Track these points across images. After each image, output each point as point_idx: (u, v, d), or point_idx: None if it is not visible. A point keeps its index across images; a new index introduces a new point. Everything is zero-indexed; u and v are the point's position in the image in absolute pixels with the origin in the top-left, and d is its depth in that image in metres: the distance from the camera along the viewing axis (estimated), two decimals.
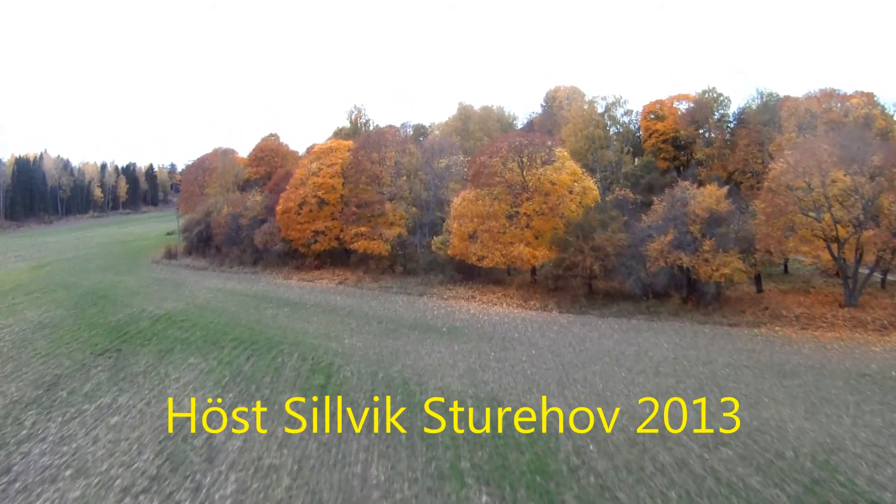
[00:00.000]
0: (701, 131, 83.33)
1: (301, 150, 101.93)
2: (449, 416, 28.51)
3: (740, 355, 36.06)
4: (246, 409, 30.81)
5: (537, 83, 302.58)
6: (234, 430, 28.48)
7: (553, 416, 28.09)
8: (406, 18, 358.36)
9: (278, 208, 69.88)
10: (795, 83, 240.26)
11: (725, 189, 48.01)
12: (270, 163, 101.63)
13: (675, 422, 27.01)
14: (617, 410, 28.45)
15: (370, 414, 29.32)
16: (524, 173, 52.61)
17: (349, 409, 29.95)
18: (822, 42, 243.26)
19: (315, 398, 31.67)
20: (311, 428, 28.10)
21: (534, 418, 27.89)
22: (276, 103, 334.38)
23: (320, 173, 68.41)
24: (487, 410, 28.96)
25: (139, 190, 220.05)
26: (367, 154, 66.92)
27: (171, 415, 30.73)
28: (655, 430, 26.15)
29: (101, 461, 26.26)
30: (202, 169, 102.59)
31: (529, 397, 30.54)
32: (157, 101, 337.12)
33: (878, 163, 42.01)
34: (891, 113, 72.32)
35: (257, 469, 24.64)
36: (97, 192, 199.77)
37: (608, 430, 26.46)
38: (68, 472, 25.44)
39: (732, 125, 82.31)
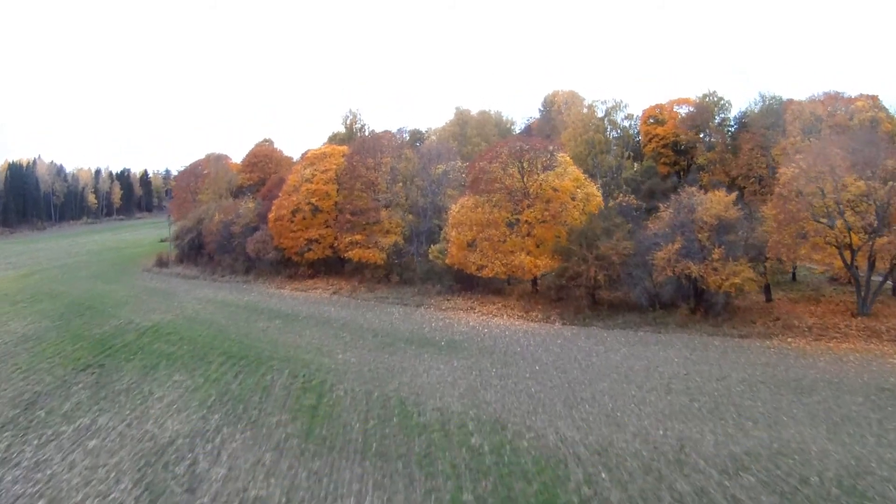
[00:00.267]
0: (701, 136, 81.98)
1: (296, 156, 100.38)
2: (449, 441, 26.67)
3: (754, 370, 34.48)
4: (232, 432, 29.01)
5: (535, 88, 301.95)
6: (218, 456, 26.67)
7: (561, 440, 26.34)
8: (402, 22, 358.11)
9: (271, 216, 67.93)
10: (797, 86, 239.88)
11: (734, 195, 46.35)
12: (264, 169, 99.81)
13: (692, 445, 25.38)
14: (629, 433, 26.68)
15: (364, 439, 27.43)
16: (525, 179, 50.75)
17: (342, 433, 28.09)
18: (823, 44, 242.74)
19: (306, 420, 29.81)
20: (301, 454, 26.28)
21: (540, 443, 26.09)
22: (271, 108, 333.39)
23: (314, 179, 66.55)
24: (490, 434, 27.14)
25: (134, 196, 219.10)
26: (362, 160, 65.06)
27: (153, 438, 28.92)
28: (671, 455, 24.45)
29: (76, 490, 24.71)
30: (194, 175, 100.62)
31: (535, 419, 28.77)
32: (152, 106, 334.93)
33: (893, 166, 40.50)
34: None
35: (242, 502, 22.84)
36: (91, 199, 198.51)
37: (621, 455, 24.68)
38: (41, 503, 23.95)
39: (733, 129, 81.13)
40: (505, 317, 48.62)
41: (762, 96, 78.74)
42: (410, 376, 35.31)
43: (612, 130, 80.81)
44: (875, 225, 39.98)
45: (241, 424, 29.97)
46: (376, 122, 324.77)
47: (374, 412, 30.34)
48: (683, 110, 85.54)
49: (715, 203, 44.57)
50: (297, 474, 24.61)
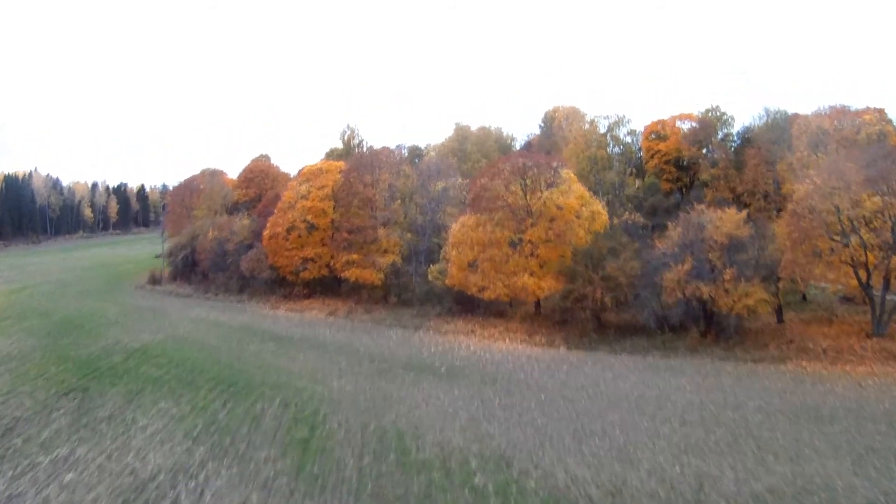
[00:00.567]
0: (704, 151, 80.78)
1: (293, 172, 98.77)
2: (451, 481, 24.67)
3: (771, 398, 32.74)
4: (218, 468, 27.02)
5: (535, 103, 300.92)
6: (201, 496, 24.67)
7: (571, 479, 24.37)
8: (402, 37, 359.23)
9: (265, 233, 66.36)
10: (801, 100, 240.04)
11: (745, 212, 44.86)
12: (260, 185, 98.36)
13: (712, 483, 23.51)
14: (644, 470, 24.73)
15: (359, 477, 25.43)
16: (528, 197, 49.07)
17: (335, 471, 26.08)
18: (826, 58, 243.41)
19: (296, 455, 27.82)
20: (291, 494, 24.27)
21: (549, 482, 24.13)
22: (269, 124, 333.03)
23: (310, 196, 64.97)
24: (495, 473, 25.16)
25: (130, 210, 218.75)
26: (359, 176, 63.51)
27: (133, 473, 26.87)
28: (689, 495, 22.61)
29: None
30: (189, 190, 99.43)
31: (542, 455, 26.75)
32: (150, 120, 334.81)
33: None
34: None
35: None
36: (87, 212, 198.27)
37: (636, 496, 22.77)
38: None
39: (736, 144, 80.00)
40: (507, 340, 46.76)
41: (767, 111, 77.93)
42: (409, 406, 33.30)
43: (614, 146, 79.38)
44: (891, 242, 38.83)
45: (228, 459, 27.92)
46: (375, 137, 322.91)
47: (369, 447, 28.32)
48: (686, 125, 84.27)
49: (725, 221, 43.06)
50: None
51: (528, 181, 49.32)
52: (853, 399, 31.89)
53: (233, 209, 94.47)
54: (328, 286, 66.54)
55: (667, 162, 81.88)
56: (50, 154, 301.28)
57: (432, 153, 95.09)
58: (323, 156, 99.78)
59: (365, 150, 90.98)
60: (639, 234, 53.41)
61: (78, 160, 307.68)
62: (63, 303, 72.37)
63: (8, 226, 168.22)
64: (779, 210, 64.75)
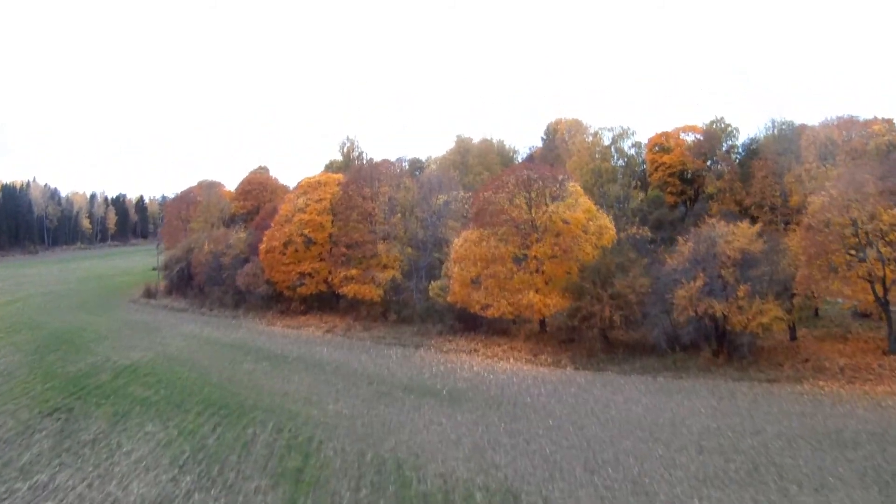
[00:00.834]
0: (708, 163, 79.66)
1: (292, 185, 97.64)
2: None
3: (790, 421, 31.11)
4: (205, 500, 25.24)
5: (537, 116, 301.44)
6: None
7: None
8: (402, 49, 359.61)
9: (262, 247, 64.66)
10: (806, 109, 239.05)
11: (758, 226, 43.35)
12: (258, 197, 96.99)
13: None
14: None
15: None
16: (532, 211, 47.41)
17: None
18: (832, 67, 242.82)
19: (289, 487, 25.98)
20: None
21: None
22: (268, 135, 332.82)
23: (307, 209, 63.36)
24: None
25: (129, 222, 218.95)
26: (358, 189, 61.91)
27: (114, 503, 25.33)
28: None
29: None
30: (186, 202, 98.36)
31: (552, 487, 24.98)
32: (150, 131, 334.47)
33: None
34: None
35: None
36: (85, 223, 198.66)
37: None
38: None
39: (741, 156, 79.02)
40: (511, 360, 44.93)
41: (773, 122, 77.08)
42: (409, 433, 31.45)
43: (618, 159, 78.12)
44: None
45: (216, 490, 26.22)
46: (375, 150, 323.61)
47: (367, 478, 26.50)
48: (690, 138, 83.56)
49: (738, 235, 41.51)
50: None
51: (532, 194, 47.68)
52: (875, 421, 30.51)
53: (230, 222, 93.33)
54: (326, 302, 64.85)
55: (671, 174, 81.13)
56: (48, 164, 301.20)
57: (433, 166, 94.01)
58: (322, 168, 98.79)
59: (365, 162, 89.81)
60: (645, 249, 51.79)
61: (77, 171, 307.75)
62: (55, 316, 71.46)
63: (5, 236, 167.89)
64: (787, 223, 63.83)
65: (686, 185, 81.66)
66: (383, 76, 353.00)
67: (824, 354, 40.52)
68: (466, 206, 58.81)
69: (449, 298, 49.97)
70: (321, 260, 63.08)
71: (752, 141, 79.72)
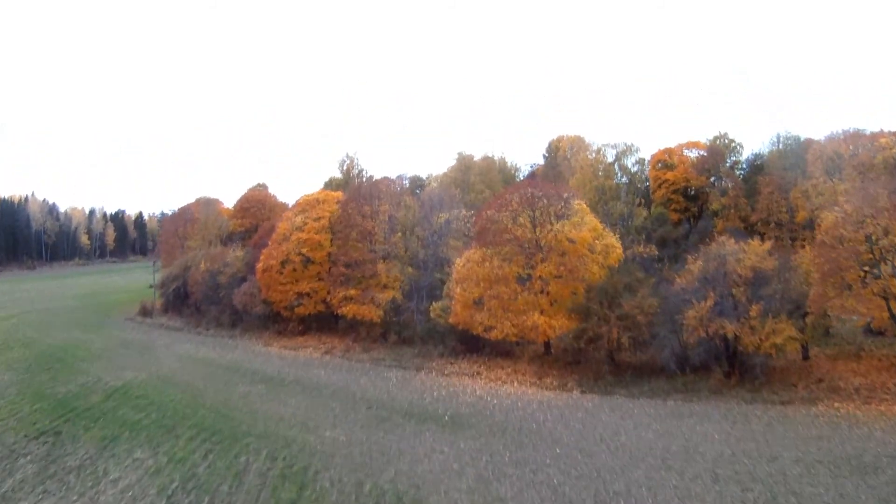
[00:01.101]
0: (712, 180, 78.86)
1: (291, 202, 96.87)
2: None
3: (807, 446, 29.79)
4: None
5: (538, 133, 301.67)
6: None
7: None
8: (403, 66, 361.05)
9: (259, 266, 63.36)
10: (811, 122, 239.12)
11: (769, 243, 42.26)
12: (257, 215, 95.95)
13: None
14: None
15: None
16: (537, 230, 46.18)
17: None
18: (833, 80, 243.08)
19: None
20: None
21: None
22: (268, 152, 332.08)
23: (305, 228, 62.15)
24: None
25: (128, 238, 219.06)
26: (357, 207, 60.70)
27: None
28: None
29: None
30: (183, 219, 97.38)
31: None
32: (150, 147, 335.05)
33: None
34: None
35: None
36: (84, 239, 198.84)
37: None
38: None
39: (745, 172, 78.30)
40: (515, 384, 43.41)
41: (778, 136, 76.56)
42: (409, 462, 29.89)
43: (622, 176, 77.24)
44: None
45: None
46: (375, 167, 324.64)
47: None
48: (693, 154, 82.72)
49: (749, 253, 40.35)
50: None
51: (537, 213, 46.46)
52: (895, 444, 29.33)
53: (228, 240, 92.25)
54: (324, 322, 63.39)
55: (674, 191, 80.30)
56: (47, 179, 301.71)
57: (434, 183, 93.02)
58: (322, 185, 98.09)
59: (364, 179, 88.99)
60: (653, 268, 50.62)
61: (76, 186, 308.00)
62: (49, 333, 70.76)
63: (2, 251, 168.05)
64: (793, 239, 62.90)
65: (690, 201, 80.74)
66: (384, 93, 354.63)
67: (838, 374, 39.35)
68: (468, 225, 57.63)
69: (451, 320, 48.51)
70: (319, 279, 61.78)
71: (757, 156, 79.31)
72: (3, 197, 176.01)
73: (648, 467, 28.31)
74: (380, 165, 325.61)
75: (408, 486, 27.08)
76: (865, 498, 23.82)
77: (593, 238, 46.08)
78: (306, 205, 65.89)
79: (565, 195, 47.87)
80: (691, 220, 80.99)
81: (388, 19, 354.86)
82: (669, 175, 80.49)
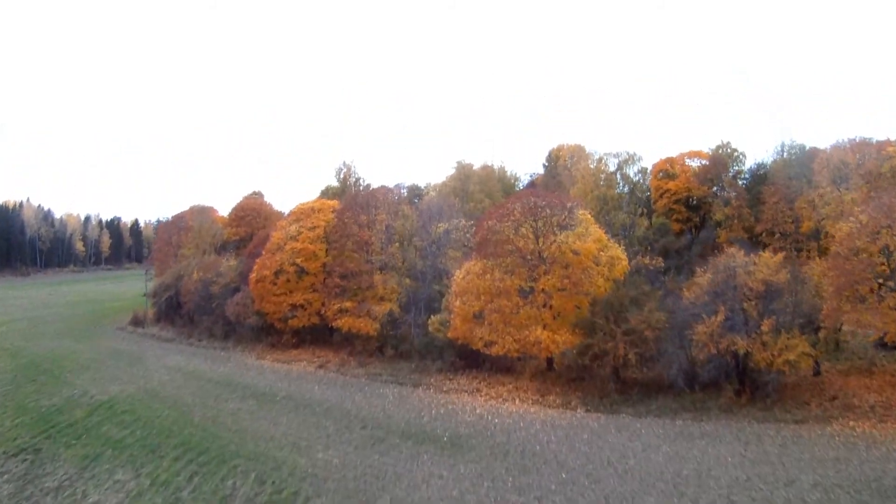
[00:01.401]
0: (714, 189, 77.69)
1: (287, 211, 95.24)
2: None
3: (825, 469, 28.50)
4: None
5: (537, 142, 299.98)
6: None
7: None
8: (400, 74, 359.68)
9: (252, 276, 61.60)
10: (813, 131, 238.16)
11: (780, 255, 40.88)
12: (252, 224, 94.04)
13: None
14: None
15: None
16: (540, 241, 44.59)
17: None
18: (837, 88, 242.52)
19: None
20: None
21: None
22: (264, 160, 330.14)
23: (300, 237, 60.39)
24: None
25: (123, 245, 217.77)
26: (354, 216, 58.97)
27: None
28: None
29: None
30: (177, 227, 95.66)
31: None
32: (146, 154, 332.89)
33: None
34: None
35: None
36: (79, 246, 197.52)
37: None
38: None
39: (748, 181, 77.13)
40: (517, 401, 41.68)
41: (783, 145, 75.40)
42: (406, 488, 28.20)
43: (624, 185, 75.92)
44: None
45: None
46: (373, 176, 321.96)
47: None
48: (695, 163, 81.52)
49: (761, 265, 38.92)
50: None
51: (539, 223, 44.86)
52: None
53: (222, 249, 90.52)
54: (319, 335, 61.68)
55: (676, 201, 78.95)
56: (42, 184, 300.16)
57: (433, 192, 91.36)
58: (318, 194, 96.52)
59: (361, 188, 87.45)
60: (658, 281, 49.12)
61: (71, 192, 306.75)
62: (38, 342, 69.51)
63: None
64: (798, 250, 61.74)
65: (691, 211, 79.49)
66: (382, 100, 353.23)
67: (851, 391, 38.17)
68: (468, 235, 55.96)
69: (450, 334, 46.75)
70: (314, 291, 60.03)
71: (760, 166, 78.10)
72: None
73: (660, 494, 26.84)
74: (377, 174, 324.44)
75: None
76: None
77: (598, 249, 44.45)
78: (301, 213, 64.27)
79: (569, 205, 46.26)
80: (693, 230, 79.81)
81: (387, 30, 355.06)
82: (671, 185, 79.22)
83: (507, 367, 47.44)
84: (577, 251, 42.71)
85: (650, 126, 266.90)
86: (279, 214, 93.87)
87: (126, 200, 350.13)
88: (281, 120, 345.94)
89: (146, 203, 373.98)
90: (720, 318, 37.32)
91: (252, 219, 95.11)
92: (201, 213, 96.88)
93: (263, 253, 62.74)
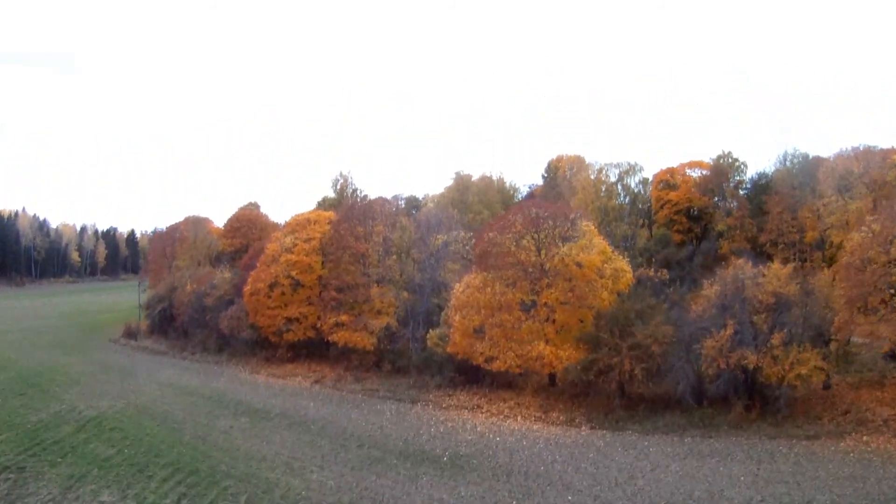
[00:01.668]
0: (716, 199, 76.93)
1: (283, 222, 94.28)
2: None
3: (841, 488, 27.59)
4: None
5: (536, 153, 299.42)
6: None
7: None
8: (398, 84, 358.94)
9: (246, 289, 60.21)
10: (815, 139, 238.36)
11: (790, 266, 39.94)
12: (247, 235, 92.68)
13: None
14: None
15: None
16: (542, 253, 43.43)
17: None
18: (840, 97, 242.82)
19: None
20: None
21: None
22: (261, 170, 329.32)
23: (295, 249, 59.04)
24: None
25: (119, 256, 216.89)
26: (350, 228, 57.72)
27: None
28: None
29: None
30: (172, 238, 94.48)
31: None
32: (143, 165, 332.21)
33: None
34: None
35: None
36: (74, 256, 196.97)
37: None
38: None
39: (749, 191, 76.42)
40: (519, 419, 40.43)
41: (785, 154, 74.69)
42: None
43: (624, 196, 75.06)
44: None
45: None
46: (370, 187, 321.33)
47: None
48: (696, 173, 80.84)
49: (770, 277, 37.97)
50: None
51: (541, 235, 43.71)
52: None
53: (217, 260, 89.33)
54: (315, 349, 60.26)
55: (677, 212, 78.20)
56: (38, 194, 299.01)
57: (431, 204, 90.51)
58: (315, 205, 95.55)
59: (359, 199, 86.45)
60: (663, 293, 48.04)
61: (67, 202, 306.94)
62: (28, 355, 68.03)
63: None
64: (803, 260, 60.88)
65: (693, 222, 78.75)
66: (379, 111, 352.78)
67: (863, 404, 37.37)
68: (467, 247, 54.82)
69: (449, 349, 45.37)
70: (310, 304, 58.69)
71: (761, 175, 77.36)
72: None
73: None
74: (375, 185, 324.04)
75: None
76: None
77: (602, 262, 43.26)
78: (297, 225, 63.05)
79: (571, 216, 45.17)
80: (694, 241, 79.01)
81: (385, 39, 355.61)
82: (672, 195, 78.52)
83: (508, 382, 46.14)
84: (580, 263, 41.50)
85: (651, 135, 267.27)
86: (275, 226, 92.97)
87: (123, 211, 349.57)
88: (278, 130, 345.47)
89: (143, 213, 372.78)
90: (729, 331, 36.34)
91: (247, 230, 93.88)
92: (196, 224, 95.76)
93: (258, 265, 61.48)
